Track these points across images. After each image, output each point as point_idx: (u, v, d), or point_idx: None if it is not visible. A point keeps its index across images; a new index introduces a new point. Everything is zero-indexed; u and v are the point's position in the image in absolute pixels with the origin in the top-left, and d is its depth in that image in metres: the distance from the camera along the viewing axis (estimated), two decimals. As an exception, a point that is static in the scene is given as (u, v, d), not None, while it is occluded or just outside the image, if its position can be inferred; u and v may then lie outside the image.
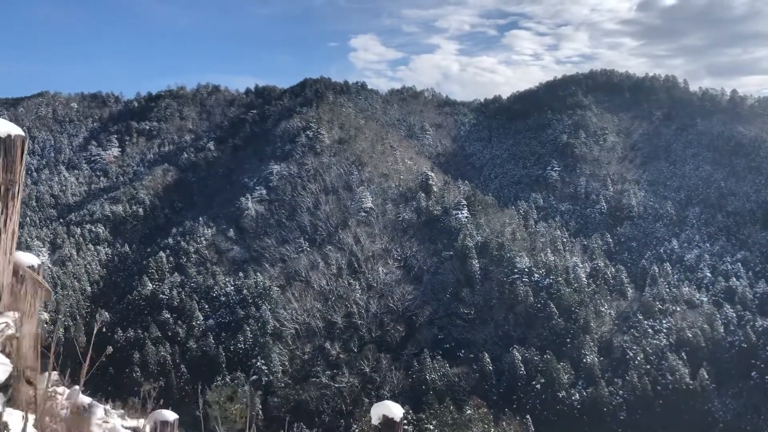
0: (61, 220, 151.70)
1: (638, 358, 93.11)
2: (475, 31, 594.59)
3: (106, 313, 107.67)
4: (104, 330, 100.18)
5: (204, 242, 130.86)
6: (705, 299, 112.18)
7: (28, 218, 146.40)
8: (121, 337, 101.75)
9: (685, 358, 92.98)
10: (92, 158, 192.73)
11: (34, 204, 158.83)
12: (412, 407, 66.02)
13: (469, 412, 43.06)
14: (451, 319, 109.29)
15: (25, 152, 4.24)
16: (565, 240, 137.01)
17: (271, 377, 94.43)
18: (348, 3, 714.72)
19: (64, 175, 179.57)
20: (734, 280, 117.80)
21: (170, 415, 7.13)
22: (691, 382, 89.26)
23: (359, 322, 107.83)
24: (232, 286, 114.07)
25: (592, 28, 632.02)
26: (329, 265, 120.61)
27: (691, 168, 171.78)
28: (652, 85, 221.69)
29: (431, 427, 39.34)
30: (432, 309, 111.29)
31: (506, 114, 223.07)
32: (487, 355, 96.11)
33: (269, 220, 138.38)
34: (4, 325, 3.41)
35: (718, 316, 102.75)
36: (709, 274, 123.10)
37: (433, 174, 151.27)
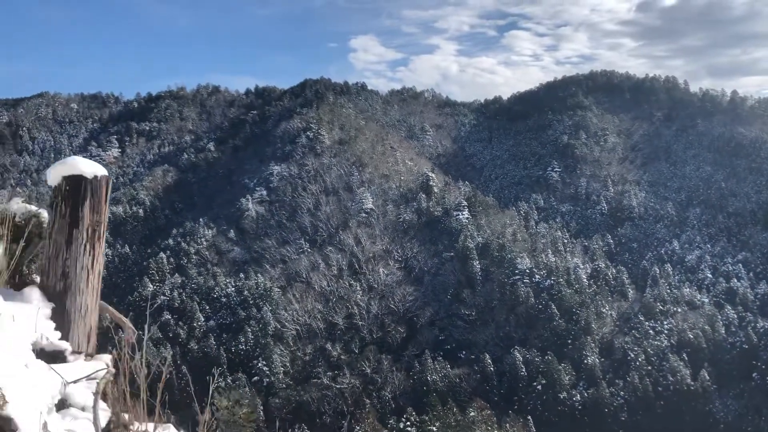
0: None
1: (639, 359, 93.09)
2: (475, 32, 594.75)
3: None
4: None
5: (204, 243, 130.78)
6: (706, 300, 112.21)
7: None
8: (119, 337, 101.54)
9: (686, 359, 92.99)
10: (92, 159, 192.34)
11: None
12: (414, 408, 66.06)
13: (472, 414, 42.98)
14: (452, 320, 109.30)
15: (110, 191, 4.21)
16: (565, 241, 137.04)
17: (272, 378, 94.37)
18: (348, 3, 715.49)
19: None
20: (735, 281, 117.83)
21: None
22: (692, 383, 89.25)
23: (360, 323, 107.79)
24: (232, 287, 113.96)
25: (592, 29, 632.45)
26: (330, 266, 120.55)
27: (692, 169, 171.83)
28: (653, 85, 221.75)
29: (434, 429, 39.16)
30: (433, 310, 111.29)
31: (506, 115, 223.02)
32: (488, 356, 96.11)
33: (270, 221, 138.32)
34: (105, 371, 3.38)
35: (719, 317, 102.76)
36: (710, 275, 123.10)
37: (433, 175, 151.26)
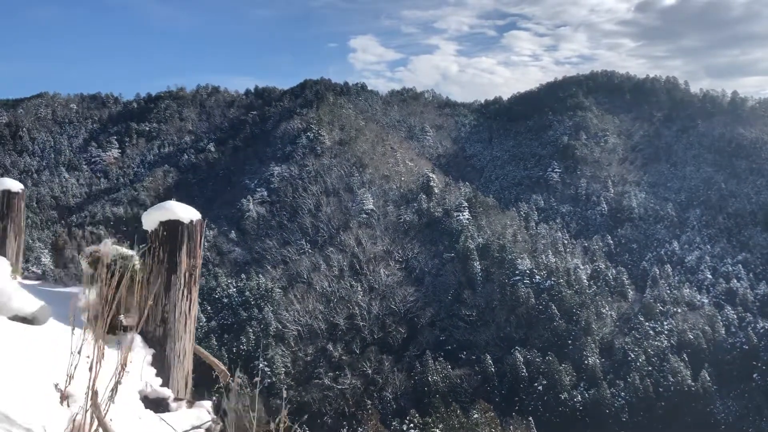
0: (62, 222, 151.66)
1: (640, 360, 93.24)
2: (474, 32, 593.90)
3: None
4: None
5: (205, 244, 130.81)
6: (706, 301, 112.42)
7: (29, 220, 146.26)
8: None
9: (686, 359, 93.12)
10: (92, 159, 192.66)
11: (35, 206, 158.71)
12: (415, 409, 66.20)
13: (476, 416, 43.12)
14: (452, 321, 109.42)
15: (203, 234, 4.30)
16: (566, 242, 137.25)
17: (273, 379, 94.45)
18: (347, 4, 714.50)
19: (64, 177, 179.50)
20: (735, 281, 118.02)
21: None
22: (692, 383, 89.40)
23: (361, 323, 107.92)
24: (234, 287, 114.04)
25: (591, 29, 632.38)
26: (331, 266, 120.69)
27: (692, 169, 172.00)
28: (653, 86, 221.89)
29: (438, 431, 39.39)
30: (434, 311, 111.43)
31: (507, 115, 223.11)
32: (489, 357, 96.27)
33: (270, 221, 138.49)
34: (210, 422, 3.48)
35: (719, 317, 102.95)
36: (709, 276, 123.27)
37: (434, 175, 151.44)
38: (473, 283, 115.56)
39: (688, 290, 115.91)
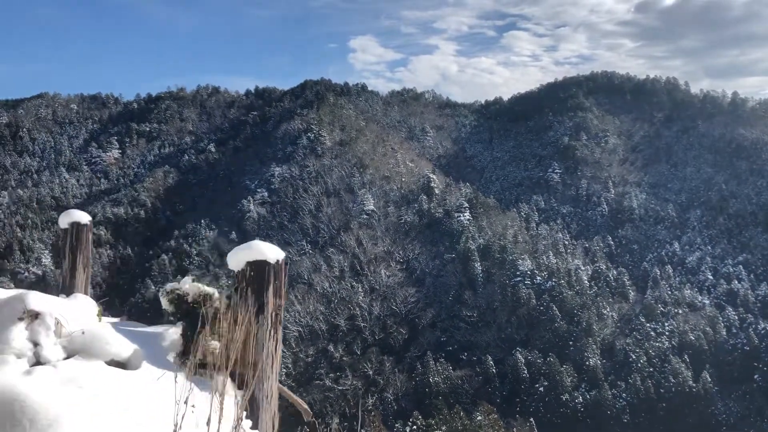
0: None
1: (641, 361, 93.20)
2: (474, 32, 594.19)
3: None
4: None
5: (206, 245, 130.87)
6: (707, 302, 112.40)
7: (29, 220, 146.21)
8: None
9: (687, 360, 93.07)
10: (93, 160, 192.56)
11: (35, 206, 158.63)
12: (416, 410, 66.14)
13: (479, 418, 43.07)
14: (453, 322, 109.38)
15: (287, 273, 4.28)
16: (566, 242, 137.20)
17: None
18: (347, 4, 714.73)
19: (64, 177, 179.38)
20: (736, 282, 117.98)
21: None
22: (694, 385, 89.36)
23: (362, 324, 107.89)
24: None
25: (591, 30, 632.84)
26: (332, 267, 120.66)
27: (693, 170, 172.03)
28: (653, 87, 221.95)
29: (441, 433, 39.61)
30: (434, 312, 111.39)
31: (507, 116, 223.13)
32: (490, 358, 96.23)
33: (271, 222, 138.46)
34: None
35: (721, 318, 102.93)
36: (710, 277, 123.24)
37: (434, 176, 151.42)
38: (474, 284, 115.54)
39: (689, 291, 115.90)
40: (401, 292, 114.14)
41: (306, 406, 4.23)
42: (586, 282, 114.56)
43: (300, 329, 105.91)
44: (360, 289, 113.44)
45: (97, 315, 4.50)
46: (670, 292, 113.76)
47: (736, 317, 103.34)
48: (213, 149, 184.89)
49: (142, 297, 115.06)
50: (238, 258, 4.07)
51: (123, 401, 3.27)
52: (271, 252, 4.03)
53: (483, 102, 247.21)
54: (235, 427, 3.00)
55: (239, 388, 3.89)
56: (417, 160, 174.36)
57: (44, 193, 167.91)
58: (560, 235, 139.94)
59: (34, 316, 3.35)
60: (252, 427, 3.77)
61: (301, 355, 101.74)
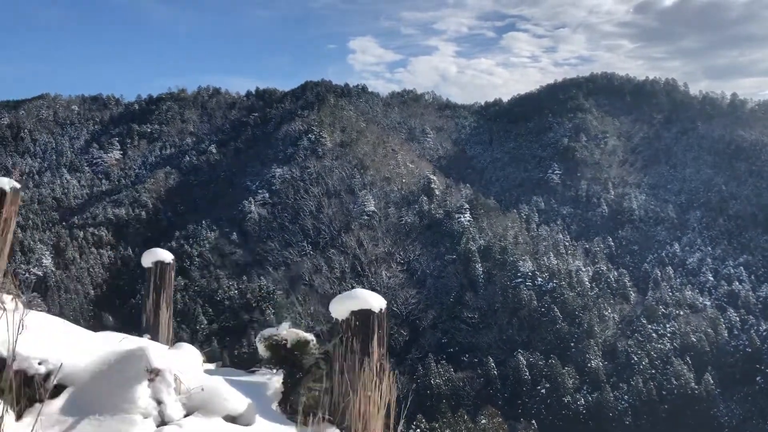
0: (64, 223, 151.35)
1: (643, 363, 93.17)
2: (473, 33, 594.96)
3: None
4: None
5: (207, 246, 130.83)
6: (708, 303, 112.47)
7: (30, 221, 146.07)
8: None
9: (689, 362, 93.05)
10: (94, 161, 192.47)
11: (36, 207, 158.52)
12: (420, 413, 66.11)
13: (483, 421, 43.05)
14: (454, 323, 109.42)
15: (389, 321, 4.30)
16: (567, 243, 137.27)
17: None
18: (346, 5, 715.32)
19: (65, 178, 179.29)
20: (737, 284, 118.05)
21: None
22: (696, 386, 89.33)
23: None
24: (235, 290, 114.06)
25: (590, 30, 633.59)
26: (332, 268, 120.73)
27: (692, 171, 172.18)
28: (653, 88, 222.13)
29: (445, 436, 39.55)
30: (435, 313, 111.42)
31: (507, 117, 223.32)
32: (491, 360, 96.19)
33: (272, 223, 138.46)
34: None
35: (722, 320, 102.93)
36: (711, 278, 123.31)
37: (434, 177, 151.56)
38: (475, 285, 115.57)
39: (690, 292, 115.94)
40: (402, 293, 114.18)
41: None
42: (587, 283, 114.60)
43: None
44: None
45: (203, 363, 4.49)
46: (671, 294, 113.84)
47: (738, 319, 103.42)
48: (214, 150, 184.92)
49: (143, 298, 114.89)
50: (342, 307, 4.09)
51: None
52: (375, 301, 4.04)
53: (483, 103, 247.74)
54: None
55: None
56: (417, 161, 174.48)
57: (45, 194, 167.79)
58: (561, 236, 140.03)
59: (156, 373, 3.35)
60: None
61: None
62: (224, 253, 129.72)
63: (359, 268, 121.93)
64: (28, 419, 3.08)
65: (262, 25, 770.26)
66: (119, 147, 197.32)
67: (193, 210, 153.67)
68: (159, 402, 3.33)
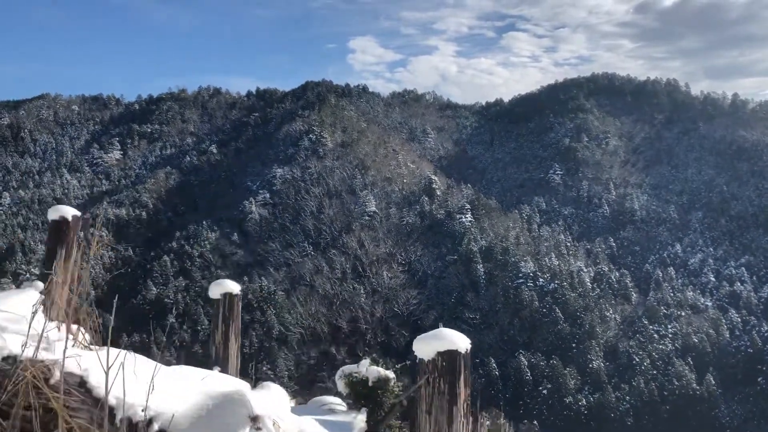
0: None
1: (644, 364, 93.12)
2: (473, 33, 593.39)
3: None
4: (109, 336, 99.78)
5: (208, 246, 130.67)
6: (710, 304, 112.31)
7: (31, 221, 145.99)
8: (125, 341, 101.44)
9: (691, 363, 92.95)
10: (94, 161, 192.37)
11: (37, 207, 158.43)
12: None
13: (487, 422, 42.96)
14: (456, 324, 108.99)
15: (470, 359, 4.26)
16: (568, 244, 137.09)
17: (276, 382, 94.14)
18: (346, 5, 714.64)
19: (66, 178, 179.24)
20: (738, 284, 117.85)
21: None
22: (697, 387, 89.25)
23: (364, 326, 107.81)
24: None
25: (590, 30, 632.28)
26: (334, 269, 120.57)
27: (694, 172, 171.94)
28: (654, 88, 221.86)
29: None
30: (437, 313, 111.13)
31: (508, 117, 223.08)
32: (493, 361, 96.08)
33: (273, 223, 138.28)
34: None
35: (723, 320, 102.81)
36: (713, 279, 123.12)
37: (436, 177, 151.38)
38: (476, 285, 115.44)
39: (691, 293, 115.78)
40: (403, 293, 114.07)
41: None
42: (588, 284, 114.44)
43: (302, 331, 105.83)
44: (362, 291, 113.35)
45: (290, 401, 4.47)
46: (672, 294, 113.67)
47: (739, 319, 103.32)
48: (214, 150, 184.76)
49: (143, 299, 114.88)
50: (428, 347, 4.05)
51: None
52: (461, 341, 4.04)
53: (484, 103, 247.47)
54: None
55: None
56: (418, 161, 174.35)
57: (46, 194, 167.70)
58: (562, 236, 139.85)
59: (257, 419, 3.31)
60: None
61: (303, 357, 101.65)
62: (225, 253, 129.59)
63: (360, 269, 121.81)
64: None
65: (262, 25, 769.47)
66: (119, 147, 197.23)
67: (193, 210, 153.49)
68: None
